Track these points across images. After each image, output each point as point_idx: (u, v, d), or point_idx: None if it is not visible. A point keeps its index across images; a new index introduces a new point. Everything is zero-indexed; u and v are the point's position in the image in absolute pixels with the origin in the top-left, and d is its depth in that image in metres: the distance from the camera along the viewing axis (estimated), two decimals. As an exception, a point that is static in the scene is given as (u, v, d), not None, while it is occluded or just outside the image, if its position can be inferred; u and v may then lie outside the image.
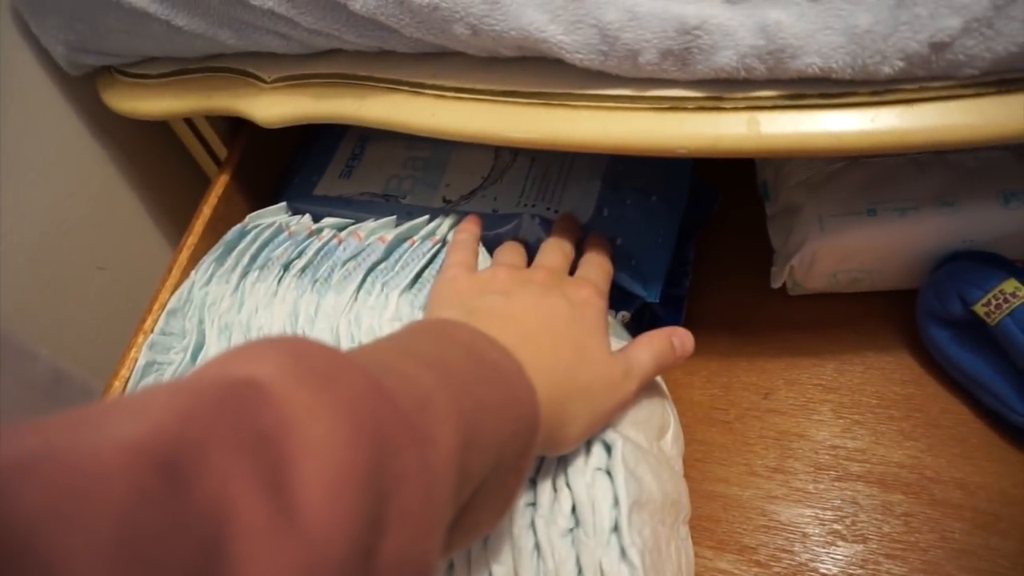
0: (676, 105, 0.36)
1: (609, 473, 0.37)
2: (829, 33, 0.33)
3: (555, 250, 0.45)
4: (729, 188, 0.59)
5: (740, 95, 0.36)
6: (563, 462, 0.38)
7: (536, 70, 0.39)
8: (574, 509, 0.37)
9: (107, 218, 0.56)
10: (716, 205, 0.60)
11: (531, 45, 0.36)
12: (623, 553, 0.35)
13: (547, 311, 0.39)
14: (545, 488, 0.37)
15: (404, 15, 0.37)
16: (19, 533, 0.14)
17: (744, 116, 0.35)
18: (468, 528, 0.30)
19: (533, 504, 0.38)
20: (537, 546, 0.36)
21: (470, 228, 0.47)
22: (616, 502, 0.36)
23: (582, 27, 0.35)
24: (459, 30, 0.37)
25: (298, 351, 0.23)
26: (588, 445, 0.39)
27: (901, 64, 0.33)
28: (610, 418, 0.39)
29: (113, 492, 0.16)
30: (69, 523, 0.15)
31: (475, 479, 0.28)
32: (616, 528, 0.36)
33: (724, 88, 0.36)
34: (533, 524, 0.37)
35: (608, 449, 0.38)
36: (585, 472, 0.37)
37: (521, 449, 0.31)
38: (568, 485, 0.37)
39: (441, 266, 0.44)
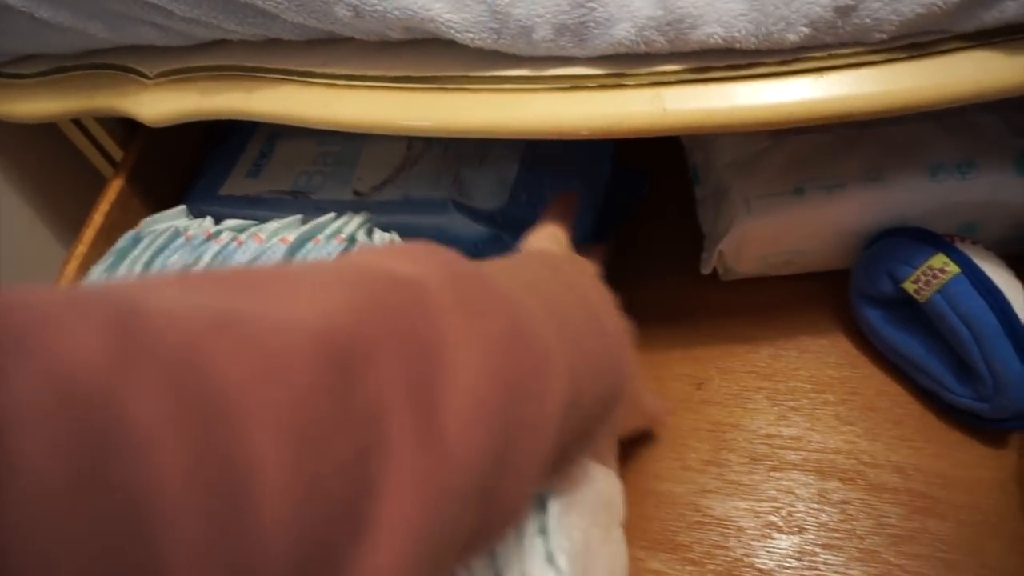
0: (577, 84, 0.34)
1: None
2: (730, 0, 0.31)
3: None
4: (660, 173, 0.57)
5: (643, 71, 0.33)
6: None
7: (430, 54, 0.36)
8: None
9: (-3, 230, 0.52)
10: (644, 191, 0.58)
11: (418, 25, 0.34)
12: (550, 558, 0.33)
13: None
14: None
15: (281, -3, 0.34)
16: (219, 399, 0.14)
17: (648, 93, 0.33)
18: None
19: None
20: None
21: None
22: (544, 504, 0.34)
23: (470, 4, 0.33)
24: (341, 12, 0.34)
25: (455, 271, 0.23)
26: None
27: (807, 31, 0.31)
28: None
29: (297, 379, 0.16)
30: (260, 399, 0.15)
31: (568, 437, 0.27)
32: (543, 531, 0.34)
33: (626, 64, 0.34)
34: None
35: None
36: None
37: (602, 414, 0.30)
38: None
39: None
